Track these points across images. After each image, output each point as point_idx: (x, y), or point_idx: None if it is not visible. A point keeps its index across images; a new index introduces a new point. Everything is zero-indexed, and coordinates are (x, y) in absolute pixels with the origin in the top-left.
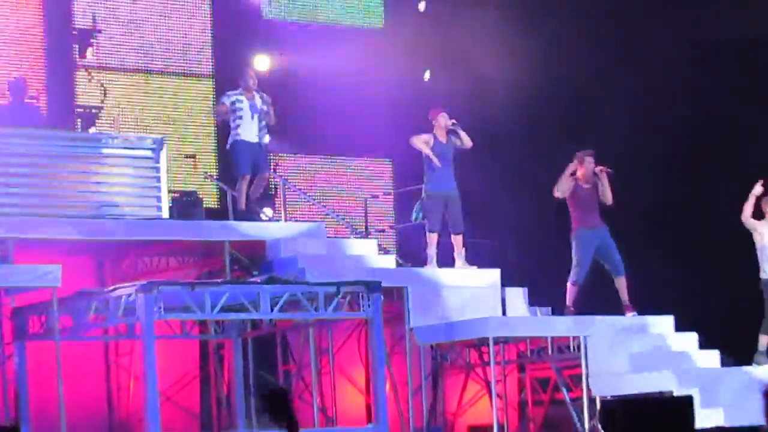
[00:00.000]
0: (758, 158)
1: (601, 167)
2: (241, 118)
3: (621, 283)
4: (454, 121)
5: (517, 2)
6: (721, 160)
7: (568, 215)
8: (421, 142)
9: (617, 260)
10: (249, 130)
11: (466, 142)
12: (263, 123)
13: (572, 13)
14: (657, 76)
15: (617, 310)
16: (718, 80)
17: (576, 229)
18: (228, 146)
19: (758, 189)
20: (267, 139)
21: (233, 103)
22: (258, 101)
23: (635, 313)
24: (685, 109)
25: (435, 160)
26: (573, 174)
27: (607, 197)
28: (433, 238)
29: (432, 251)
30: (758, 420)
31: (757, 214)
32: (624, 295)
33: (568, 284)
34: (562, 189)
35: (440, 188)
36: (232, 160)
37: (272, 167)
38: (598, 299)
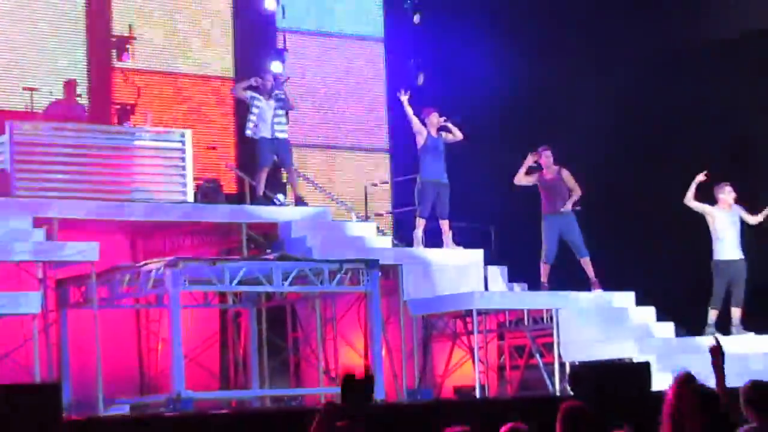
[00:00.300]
0: (707, 151)
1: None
2: (258, 116)
3: (586, 263)
4: (445, 118)
5: (497, 14)
6: (676, 152)
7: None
8: (417, 123)
9: (580, 243)
10: (267, 128)
11: (458, 134)
12: (281, 120)
13: (545, 22)
14: (620, 77)
15: (586, 286)
16: (673, 81)
17: (544, 214)
18: (250, 137)
19: (700, 177)
20: (285, 134)
21: (253, 98)
22: (272, 103)
23: (601, 289)
24: (644, 106)
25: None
26: (530, 171)
27: (575, 191)
28: (421, 222)
29: (419, 233)
30: (709, 384)
31: (712, 200)
32: (590, 273)
33: (541, 263)
34: (517, 180)
35: (432, 177)
36: (256, 153)
37: None
38: (570, 277)
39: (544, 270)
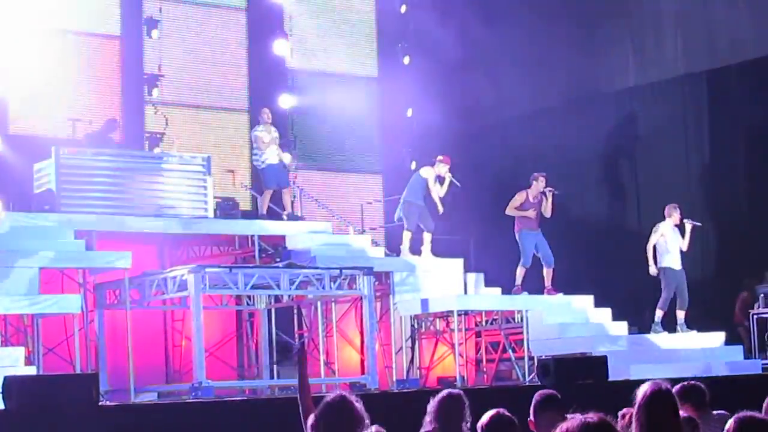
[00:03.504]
0: (651, 180)
1: (549, 188)
2: (264, 146)
3: (548, 273)
4: (452, 176)
5: (469, 58)
6: (626, 180)
7: (512, 220)
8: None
9: (549, 255)
10: (272, 155)
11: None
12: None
13: (508, 64)
14: (576, 116)
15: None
16: (625, 121)
17: (521, 229)
18: (261, 166)
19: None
20: (287, 158)
21: (259, 131)
22: (273, 131)
23: (555, 293)
24: (605, 146)
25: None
26: (522, 207)
27: (547, 212)
28: (407, 235)
29: (405, 245)
30: (657, 375)
31: (661, 217)
32: (548, 281)
33: (520, 267)
34: (511, 213)
35: (416, 200)
36: (263, 178)
37: (293, 180)
38: (539, 283)
39: (522, 273)
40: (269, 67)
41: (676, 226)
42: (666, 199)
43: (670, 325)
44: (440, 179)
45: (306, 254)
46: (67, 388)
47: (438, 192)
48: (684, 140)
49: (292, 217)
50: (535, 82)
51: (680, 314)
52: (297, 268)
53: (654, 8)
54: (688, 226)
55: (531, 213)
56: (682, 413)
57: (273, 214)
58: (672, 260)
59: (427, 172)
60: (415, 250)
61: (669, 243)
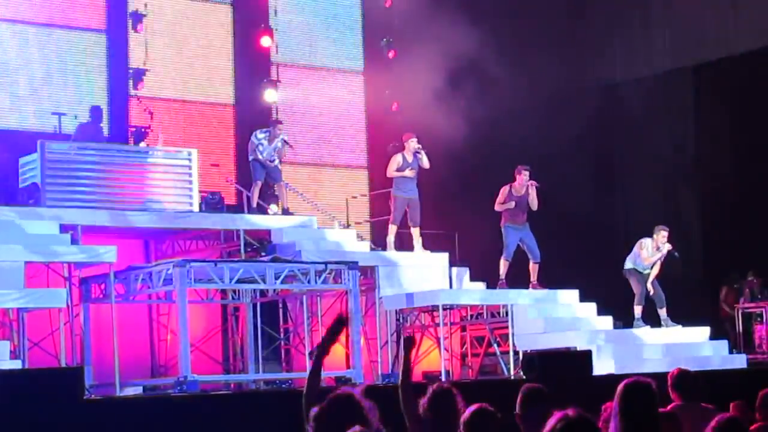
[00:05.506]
0: (637, 175)
1: (531, 181)
2: (262, 150)
3: (534, 268)
4: (419, 146)
5: (456, 50)
6: (612, 175)
7: (499, 215)
8: (394, 170)
9: (535, 250)
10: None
11: (425, 164)
12: (275, 153)
13: (494, 59)
14: (563, 110)
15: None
16: (611, 116)
17: (505, 223)
18: (250, 162)
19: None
20: (277, 162)
21: (260, 140)
22: (279, 143)
23: (540, 288)
24: (590, 141)
25: (407, 173)
26: (506, 200)
27: (534, 205)
28: (393, 229)
29: (391, 238)
30: (642, 370)
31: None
32: (534, 276)
33: (502, 260)
34: (499, 209)
35: (405, 194)
36: (251, 172)
37: None
38: (524, 277)
39: (504, 266)
40: (255, 62)
41: (658, 248)
42: (652, 194)
43: (654, 323)
44: (415, 155)
45: (291, 248)
46: (53, 383)
47: (424, 164)
48: (670, 135)
49: (287, 213)
50: (522, 76)
51: (661, 312)
52: (282, 263)
53: (641, 3)
54: (668, 246)
55: (511, 205)
56: (667, 406)
57: (259, 209)
58: (636, 264)
59: (395, 158)
60: (406, 247)
61: (640, 256)
